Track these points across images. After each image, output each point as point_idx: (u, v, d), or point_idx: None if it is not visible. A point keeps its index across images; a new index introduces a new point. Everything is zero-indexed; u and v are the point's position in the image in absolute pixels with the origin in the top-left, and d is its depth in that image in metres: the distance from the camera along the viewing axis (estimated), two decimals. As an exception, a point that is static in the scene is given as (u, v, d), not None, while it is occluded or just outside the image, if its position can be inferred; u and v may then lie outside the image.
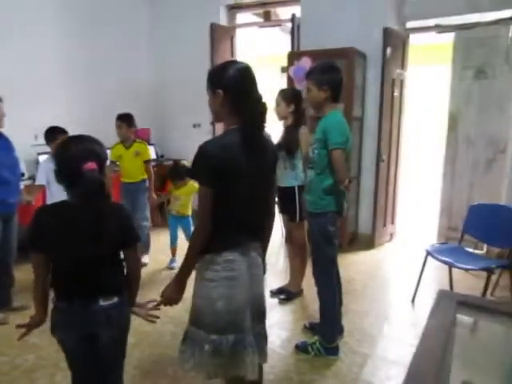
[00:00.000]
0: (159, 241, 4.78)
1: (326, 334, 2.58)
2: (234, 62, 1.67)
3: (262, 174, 1.68)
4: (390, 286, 3.80)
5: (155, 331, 2.90)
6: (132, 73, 5.68)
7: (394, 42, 4.34)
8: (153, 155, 5.65)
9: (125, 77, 5.54)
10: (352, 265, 4.10)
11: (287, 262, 3.79)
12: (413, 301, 3.34)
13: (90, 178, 1.45)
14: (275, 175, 1.89)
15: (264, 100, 1.65)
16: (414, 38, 4.69)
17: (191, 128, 5.94)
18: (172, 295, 1.69)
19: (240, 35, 5.80)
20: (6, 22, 4.20)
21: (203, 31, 5.41)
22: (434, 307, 1.29)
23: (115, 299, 1.60)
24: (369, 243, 4.61)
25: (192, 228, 4.02)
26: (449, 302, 1.32)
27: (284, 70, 5.59)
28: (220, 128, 5.55)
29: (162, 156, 6.02)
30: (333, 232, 2.46)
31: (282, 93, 3.13)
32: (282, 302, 3.32)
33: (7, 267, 3.16)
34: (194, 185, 3.96)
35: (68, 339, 1.62)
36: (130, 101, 5.21)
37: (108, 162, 3.79)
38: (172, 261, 4.15)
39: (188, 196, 3.98)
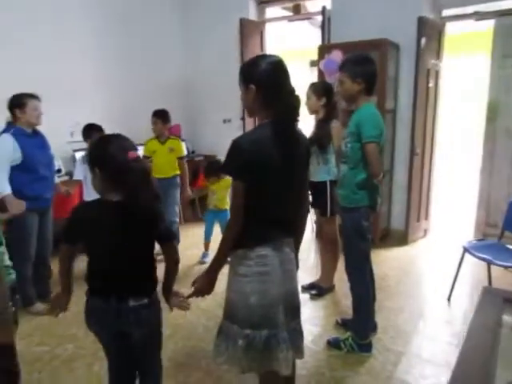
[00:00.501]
0: (190, 236, 4.84)
1: (359, 330, 2.54)
2: (266, 56, 1.65)
3: (294, 168, 1.66)
4: (424, 283, 3.71)
5: (188, 324, 2.95)
6: (163, 69, 5.74)
7: (429, 32, 4.20)
8: (184, 151, 5.74)
9: (156, 74, 5.61)
10: (385, 261, 4.02)
11: (318, 257, 3.76)
12: (449, 298, 3.24)
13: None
14: (308, 170, 1.87)
15: (297, 93, 1.63)
16: (450, 27, 4.53)
17: (221, 123, 5.97)
18: (203, 287, 1.71)
19: (269, 30, 5.77)
20: (42, 22, 4.32)
21: (233, 27, 5.41)
22: (479, 305, 1.24)
23: (145, 300, 1.63)
24: (402, 239, 4.51)
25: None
26: (494, 300, 1.26)
27: (313, 63, 5.53)
28: (251, 123, 5.63)
29: (193, 152, 6.08)
30: (366, 227, 2.42)
31: (313, 86, 3.09)
32: (314, 297, 3.30)
33: (44, 260, 3.28)
34: (229, 179, 3.99)
35: (101, 334, 1.68)
36: (161, 97, 5.28)
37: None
38: (204, 255, 4.18)
39: (224, 190, 4.02)
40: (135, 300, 1.60)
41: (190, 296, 1.77)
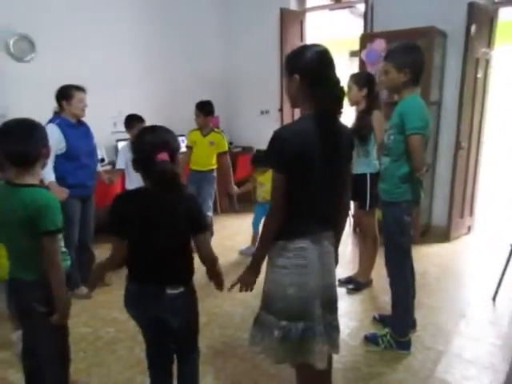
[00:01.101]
0: (227, 226, 4.89)
1: (397, 327, 2.49)
2: (312, 46, 1.61)
3: (337, 161, 1.63)
4: (467, 282, 3.58)
5: (225, 313, 2.99)
6: (203, 60, 5.79)
7: (480, 18, 4.00)
8: (226, 146, 5.75)
9: (196, 64, 5.66)
10: (425, 257, 3.91)
11: (356, 251, 3.71)
12: (494, 298, 3.12)
13: (161, 168, 1.50)
14: (351, 163, 1.83)
15: (342, 84, 1.60)
16: (504, 12, 4.28)
17: (259, 115, 5.96)
18: (247, 279, 1.72)
19: (308, 19, 5.69)
20: (87, 13, 4.45)
21: (273, 17, 5.37)
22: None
23: (181, 289, 1.66)
24: (443, 236, 4.36)
25: None
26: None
27: (353, 53, 5.40)
28: (288, 114, 5.59)
29: (230, 143, 6.09)
30: (408, 222, 2.35)
31: (355, 77, 3.03)
32: (350, 291, 3.26)
33: (86, 245, 3.41)
34: None
35: (139, 318, 1.73)
36: (201, 88, 5.33)
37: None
38: (248, 248, 4.10)
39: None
40: (172, 288, 1.64)
41: (232, 286, 1.77)
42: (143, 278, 1.65)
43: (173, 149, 1.59)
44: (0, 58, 3.91)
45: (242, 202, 5.76)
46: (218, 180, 4.40)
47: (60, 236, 1.79)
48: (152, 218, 1.57)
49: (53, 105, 3.12)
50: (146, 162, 1.54)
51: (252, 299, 3.03)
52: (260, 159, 3.94)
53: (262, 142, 4.18)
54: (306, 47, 1.62)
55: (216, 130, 4.25)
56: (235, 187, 4.28)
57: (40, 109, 2.92)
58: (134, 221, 1.58)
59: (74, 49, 4.28)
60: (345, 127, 1.72)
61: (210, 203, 4.25)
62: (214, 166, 4.21)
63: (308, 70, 1.55)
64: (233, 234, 4.63)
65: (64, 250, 1.86)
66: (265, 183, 4.00)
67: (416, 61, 2.24)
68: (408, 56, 2.24)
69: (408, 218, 2.35)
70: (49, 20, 4.13)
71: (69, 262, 1.90)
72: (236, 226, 4.91)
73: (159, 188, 1.54)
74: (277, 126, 5.66)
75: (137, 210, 1.59)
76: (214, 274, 1.77)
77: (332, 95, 1.56)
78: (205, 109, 4.03)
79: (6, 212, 1.70)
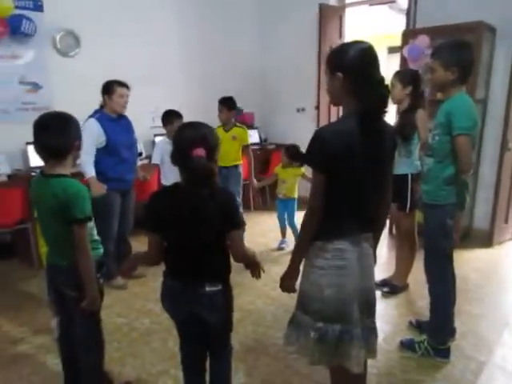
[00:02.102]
0: (260, 223, 4.88)
1: (436, 334, 2.40)
2: (355, 43, 1.56)
3: (379, 161, 1.58)
4: (511, 289, 3.42)
5: (257, 310, 2.98)
6: (241, 56, 5.79)
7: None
8: (256, 139, 5.76)
9: (234, 60, 5.67)
10: (466, 262, 3.77)
11: (392, 253, 3.62)
12: (539, 307, 2.97)
13: (196, 164, 1.50)
14: (393, 163, 1.77)
15: (388, 82, 1.54)
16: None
17: (295, 112, 5.91)
18: (287, 283, 1.69)
19: (346, 16, 5.58)
20: (128, 12, 4.54)
21: (311, 13, 5.31)
22: None
23: (219, 286, 1.65)
24: (486, 240, 4.19)
25: (295, 212, 4.05)
26: None
27: (391, 50, 5.25)
28: (325, 113, 5.52)
29: (265, 140, 6.09)
30: (451, 226, 2.26)
31: (399, 74, 2.94)
32: (386, 295, 3.18)
33: (125, 237, 3.48)
34: (299, 169, 3.95)
35: (176, 314, 1.73)
36: (238, 84, 5.34)
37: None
38: (281, 242, 4.18)
39: (294, 178, 4.00)
40: (210, 285, 1.63)
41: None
42: (181, 275, 1.65)
43: (210, 145, 1.57)
44: (46, 52, 4.05)
45: (274, 199, 5.73)
46: (245, 177, 4.41)
47: (92, 224, 1.85)
48: (186, 215, 1.56)
49: (95, 99, 3.20)
50: (183, 157, 1.54)
51: (285, 298, 2.99)
52: (293, 153, 3.92)
53: (297, 140, 4.21)
54: (349, 44, 1.57)
55: (238, 124, 4.24)
56: (255, 180, 4.30)
57: (83, 103, 3.01)
58: (169, 218, 1.58)
59: (115, 45, 4.39)
60: (388, 126, 1.67)
61: (238, 199, 4.23)
62: (240, 162, 4.19)
63: (351, 69, 1.50)
64: (266, 231, 4.62)
65: (96, 238, 1.92)
66: (287, 180, 4.00)
67: (465, 59, 2.14)
68: (456, 53, 2.13)
69: (451, 222, 2.26)
70: (93, 16, 4.24)
71: (101, 251, 1.94)
72: (268, 223, 4.89)
73: (193, 184, 1.53)
74: (313, 124, 5.62)
75: (171, 207, 1.58)
76: (252, 265, 1.75)
77: (376, 94, 1.50)
78: (228, 103, 4.02)
79: (41, 201, 1.78)
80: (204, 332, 1.75)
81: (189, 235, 1.59)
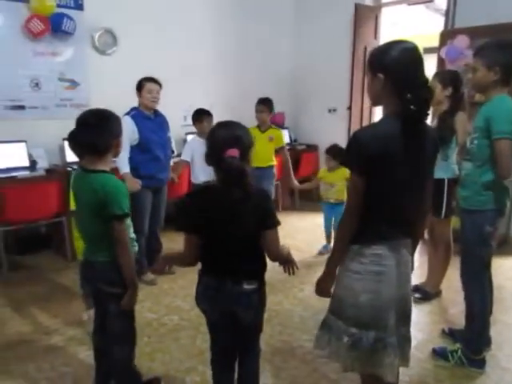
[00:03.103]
0: (287, 224, 4.84)
1: (471, 343, 2.33)
2: (398, 42, 1.51)
3: (419, 165, 1.54)
4: (548, 300, 3.28)
5: (285, 311, 2.97)
6: (274, 57, 5.79)
7: None
8: (286, 139, 5.74)
9: (267, 61, 5.68)
10: (502, 270, 3.64)
11: (424, 259, 3.53)
12: None
13: (229, 165, 1.49)
14: (433, 167, 1.72)
15: (430, 84, 1.50)
16: None
17: (326, 113, 5.86)
18: (323, 287, 1.67)
19: (382, 15, 5.49)
20: (164, 12, 4.60)
21: (346, 12, 5.25)
22: None
23: (256, 284, 1.65)
24: (524, 249, 4.04)
25: None
26: None
27: (427, 50, 5.12)
28: (356, 114, 5.44)
29: (295, 140, 6.06)
30: (489, 232, 2.19)
31: (438, 75, 2.86)
32: (418, 301, 3.10)
33: (155, 234, 3.53)
34: (346, 170, 3.84)
35: (211, 313, 1.73)
36: (270, 85, 5.34)
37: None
38: (325, 247, 4.10)
39: (342, 181, 3.81)
40: (248, 284, 1.63)
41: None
42: (219, 274, 1.65)
43: (244, 145, 1.56)
44: (85, 50, 4.16)
45: (303, 200, 5.71)
46: (278, 177, 4.37)
47: (128, 222, 1.87)
48: (221, 215, 1.56)
49: (130, 96, 3.26)
50: (216, 157, 1.53)
51: (312, 300, 2.99)
52: (338, 153, 3.75)
53: (327, 141, 4.16)
54: (392, 44, 1.52)
55: (273, 126, 4.22)
56: (296, 182, 4.22)
57: (118, 100, 3.05)
58: (205, 218, 1.58)
59: (151, 44, 4.47)
60: (430, 129, 1.62)
61: None
62: (274, 163, 4.17)
63: (393, 70, 1.46)
64: (294, 232, 4.59)
65: (133, 235, 1.94)
66: (336, 183, 3.86)
67: (509, 59, 2.06)
68: (500, 53, 2.05)
69: (490, 228, 2.18)
70: (131, 16, 4.33)
71: (136, 248, 1.97)
72: (297, 225, 4.86)
73: (226, 184, 1.52)
74: (344, 124, 5.56)
75: (206, 207, 1.59)
76: (286, 263, 1.74)
77: (419, 96, 1.45)
78: (270, 104, 4.01)
79: (80, 196, 1.82)
80: (237, 332, 1.74)
81: (225, 235, 1.59)
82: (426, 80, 1.49)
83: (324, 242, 4.11)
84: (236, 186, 1.50)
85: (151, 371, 2.28)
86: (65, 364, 2.38)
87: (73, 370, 2.33)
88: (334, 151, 3.83)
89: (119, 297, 1.82)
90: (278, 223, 1.64)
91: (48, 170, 3.77)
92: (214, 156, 1.57)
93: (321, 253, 4.03)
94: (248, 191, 1.53)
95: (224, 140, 1.54)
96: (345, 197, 3.85)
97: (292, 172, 4.24)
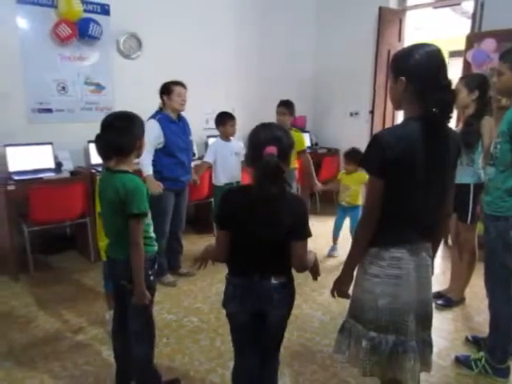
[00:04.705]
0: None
1: (496, 352, 2.27)
2: (422, 46, 1.50)
3: (441, 169, 1.52)
4: None
5: (304, 316, 2.95)
6: (296, 60, 5.79)
7: None
8: (308, 143, 5.72)
9: (289, 64, 5.68)
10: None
11: (447, 264, 3.47)
12: None
13: (267, 162, 1.49)
14: (455, 171, 1.69)
15: (453, 87, 1.48)
16: None
17: (348, 116, 5.82)
18: (340, 288, 1.66)
19: (406, 18, 5.44)
20: (187, 16, 4.67)
21: (370, 15, 5.22)
22: None
23: (284, 279, 1.66)
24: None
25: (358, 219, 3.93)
26: None
27: (453, 54, 5.05)
28: (379, 117, 5.39)
29: (316, 144, 6.04)
30: (515, 239, 2.13)
31: (465, 79, 2.82)
32: (440, 307, 3.05)
33: (177, 235, 3.56)
34: (364, 174, 3.85)
35: (240, 314, 1.71)
36: (291, 88, 5.33)
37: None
38: (332, 248, 4.13)
39: (358, 185, 3.86)
40: (276, 278, 1.64)
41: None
42: (247, 272, 1.65)
43: (284, 146, 1.56)
44: (110, 54, 4.26)
45: (323, 204, 5.68)
46: (300, 180, 4.34)
47: (149, 221, 1.92)
48: (256, 215, 1.55)
49: (153, 100, 3.31)
50: (256, 155, 1.54)
51: (332, 304, 2.98)
52: (356, 157, 3.75)
53: (349, 145, 4.13)
54: (414, 47, 1.52)
55: (294, 128, 4.18)
56: (319, 183, 4.19)
57: (142, 103, 3.10)
58: (240, 216, 1.59)
59: (175, 48, 4.54)
60: (453, 133, 1.60)
61: None
62: (295, 166, 4.15)
63: (416, 73, 1.46)
64: (314, 236, 4.53)
65: (152, 235, 1.97)
66: (350, 186, 3.89)
67: None
68: None
69: (515, 235, 2.13)
70: (155, 20, 4.41)
71: (155, 248, 1.99)
72: (317, 228, 4.81)
73: (263, 181, 1.51)
74: (366, 128, 5.51)
75: (242, 205, 1.59)
76: (314, 268, 1.74)
77: (442, 100, 1.44)
78: (292, 107, 3.99)
79: (104, 195, 1.87)
80: (262, 333, 1.73)
81: (258, 234, 1.58)
82: (449, 83, 1.47)
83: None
84: (272, 183, 1.49)
85: (171, 372, 2.30)
86: (88, 363, 2.42)
87: (95, 368, 2.37)
88: (351, 155, 3.85)
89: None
90: (309, 235, 1.62)
91: (73, 172, 3.85)
92: (253, 154, 1.58)
93: (329, 255, 4.05)
94: (284, 190, 1.53)
95: (264, 139, 1.56)
96: (358, 202, 3.89)
97: (314, 174, 4.21)
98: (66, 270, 3.73)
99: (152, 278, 1.96)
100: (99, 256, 2.80)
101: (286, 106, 3.96)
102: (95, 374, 2.32)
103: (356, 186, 3.87)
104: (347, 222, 4.07)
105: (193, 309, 3.05)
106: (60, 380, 2.28)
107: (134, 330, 1.96)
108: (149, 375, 2.05)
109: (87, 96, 4.16)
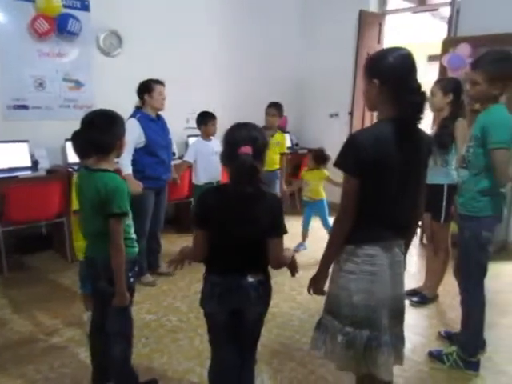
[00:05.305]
0: (286, 226, 4.85)
1: (467, 346, 2.35)
2: (394, 50, 1.56)
3: (413, 168, 1.57)
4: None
5: (283, 314, 2.98)
6: (276, 61, 5.80)
7: None
8: (288, 143, 5.77)
9: (271, 65, 5.69)
10: (500, 275, 3.65)
11: (421, 263, 3.55)
12: None
13: (242, 161, 1.51)
14: (426, 171, 1.74)
15: (423, 90, 1.53)
16: None
17: (328, 118, 5.89)
18: (316, 284, 1.70)
19: (386, 22, 5.54)
20: (169, 15, 4.64)
21: (351, 19, 5.29)
22: None
23: (261, 276, 1.68)
24: (522, 254, 4.05)
25: (327, 214, 4.11)
26: None
27: (431, 58, 5.16)
28: (358, 118, 5.46)
29: (296, 144, 6.08)
30: (487, 238, 2.21)
31: (440, 82, 2.90)
32: (415, 304, 3.12)
33: (156, 235, 3.54)
34: (323, 171, 4.02)
35: (217, 312, 1.72)
36: (271, 88, 5.35)
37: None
38: (300, 245, 4.25)
39: (317, 181, 4.09)
40: (253, 276, 1.66)
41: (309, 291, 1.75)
42: (224, 271, 1.67)
43: (259, 145, 1.58)
44: (90, 51, 4.19)
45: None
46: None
47: (129, 222, 1.90)
48: (233, 214, 1.58)
49: (134, 98, 3.28)
50: (231, 154, 1.56)
51: (311, 303, 3.01)
52: (318, 156, 4.07)
53: (329, 145, 4.19)
54: (387, 50, 1.58)
55: (279, 130, 4.27)
56: (285, 186, 4.37)
57: (122, 101, 3.07)
58: (216, 216, 1.61)
59: (156, 46, 4.49)
60: (424, 133, 1.65)
61: None
62: (278, 166, 4.22)
63: (388, 75, 1.50)
64: (295, 235, 4.58)
65: (133, 236, 1.96)
66: (310, 182, 4.10)
67: (509, 73, 2.07)
68: (502, 67, 2.06)
69: (487, 234, 2.20)
70: (136, 17, 4.37)
71: (136, 250, 1.98)
72: (296, 227, 4.84)
73: (238, 181, 1.54)
74: (346, 129, 5.57)
75: (219, 205, 1.61)
76: (291, 265, 1.77)
77: (413, 102, 1.50)
78: (282, 110, 4.08)
79: (84, 194, 1.86)
80: (240, 331, 1.75)
81: (235, 233, 1.60)
82: (419, 85, 1.52)
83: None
84: (247, 183, 1.52)
85: (149, 372, 2.29)
86: (64, 365, 2.38)
87: (71, 370, 2.33)
88: (317, 154, 4.09)
89: (114, 295, 1.84)
90: (284, 232, 1.66)
91: (49, 171, 3.79)
92: (228, 153, 1.59)
93: (295, 250, 4.09)
94: (259, 190, 1.56)
95: (239, 138, 1.57)
96: (320, 196, 4.12)
97: (284, 177, 4.37)
98: (42, 271, 3.66)
99: (132, 279, 1.95)
100: (76, 256, 2.76)
101: (276, 107, 4.03)
102: (71, 376, 2.28)
103: (316, 182, 4.09)
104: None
105: (172, 308, 3.04)
106: (34, 383, 2.23)
107: (112, 331, 1.94)
108: (126, 376, 2.03)
109: (66, 93, 4.08)
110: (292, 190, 4.70)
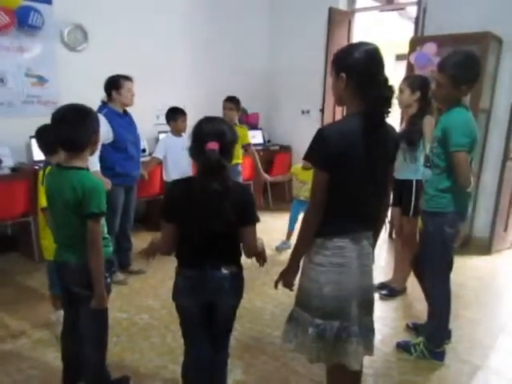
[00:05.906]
0: (261, 223, 4.87)
1: (433, 337, 2.43)
2: (361, 44, 1.58)
3: (380, 163, 1.61)
4: (507, 296, 3.44)
5: (255, 308, 3.00)
6: (248, 58, 5.81)
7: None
8: (260, 140, 5.80)
9: (241, 62, 5.69)
10: (464, 269, 3.78)
11: (390, 257, 3.64)
12: (536, 315, 2.98)
13: (208, 157, 1.52)
14: (393, 165, 1.80)
15: (390, 83, 1.56)
16: None
17: (299, 114, 5.94)
18: (287, 278, 1.72)
19: (356, 20, 5.63)
20: (137, 10, 4.57)
21: (320, 16, 5.34)
22: None
23: (234, 268, 1.70)
24: (484, 248, 4.21)
25: None
26: None
27: (399, 57, 5.27)
28: (329, 115, 5.53)
29: (268, 141, 6.11)
30: (450, 234, 2.27)
31: (408, 80, 2.96)
32: (384, 297, 3.20)
33: (126, 232, 3.50)
34: None
35: (190, 305, 1.73)
36: (242, 85, 5.34)
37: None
38: (283, 243, 4.18)
39: None
40: (226, 268, 1.68)
41: (276, 285, 1.77)
42: (197, 263, 1.67)
43: (226, 141, 1.59)
44: (54, 46, 4.06)
45: (276, 201, 5.78)
46: (250, 177, 4.35)
47: (103, 221, 1.83)
48: (199, 206, 1.57)
49: (102, 94, 3.22)
50: (198, 149, 1.57)
51: (283, 297, 3.03)
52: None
53: (300, 142, 4.23)
54: (354, 45, 1.60)
55: (238, 124, 4.23)
56: (265, 175, 4.32)
57: (89, 97, 2.97)
58: (184, 208, 1.61)
59: (123, 42, 4.41)
60: (391, 127, 1.69)
61: None
62: (239, 161, 4.15)
63: (355, 69, 1.53)
64: (269, 230, 4.61)
65: (107, 235, 1.90)
66: (308, 182, 3.99)
67: (473, 75, 2.13)
68: (467, 71, 2.11)
69: (450, 230, 2.26)
70: (102, 12, 4.27)
71: (111, 249, 1.93)
72: (271, 223, 4.89)
73: (204, 176, 1.54)
74: (317, 126, 5.56)
75: (186, 197, 1.61)
76: (260, 255, 1.78)
77: (380, 96, 1.52)
78: (239, 104, 4.05)
79: (56, 194, 1.76)
80: (212, 323, 1.77)
81: (202, 226, 1.60)
82: (387, 79, 1.55)
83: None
84: (213, 179, 1.52)
85: (120, 370, 2.25)
86: (32, 367, 2.32)
87: (40, 372, 2.28)
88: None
89: (91, 299, 1.79)
90: (257, 220, 1.68)
91: (14, 169, 3.67)
92: (195, 148, 1.60)
93: (277, 249, 4.08)
94: (226, 185, 1.56)
95: (206, 133, 1.57)
96: None
97: (260, 166, 4.32)
98: (8, 272, 3.55)
99: (109, 280, 1.89)
100: (43, 256, 2.68)
101: (232, 101, 4.02)
102: (40, 378, 2.24)
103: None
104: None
105: (144, 306, 3.01)
106: (2, 386, 2.18)
107: (88, 334, 1.89)
108: (99, 377, 1.99)
109: (29, 89, 3.94)
110: (276, 181, 4.61)
